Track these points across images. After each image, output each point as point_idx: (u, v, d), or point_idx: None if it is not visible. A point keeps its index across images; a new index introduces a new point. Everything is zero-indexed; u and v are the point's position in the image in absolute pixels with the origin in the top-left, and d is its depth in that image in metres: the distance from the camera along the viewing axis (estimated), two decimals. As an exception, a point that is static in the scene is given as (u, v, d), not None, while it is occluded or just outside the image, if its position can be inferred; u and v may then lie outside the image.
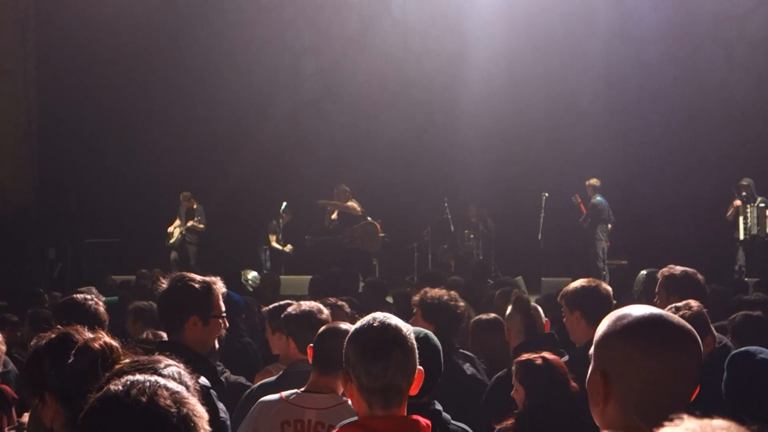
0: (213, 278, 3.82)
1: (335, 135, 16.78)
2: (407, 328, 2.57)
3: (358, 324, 2.59)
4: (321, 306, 4.55)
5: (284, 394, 3.73)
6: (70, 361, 2.50)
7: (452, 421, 3.24)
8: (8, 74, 16.60)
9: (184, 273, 3.85)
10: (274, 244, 15.65)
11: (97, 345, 2.51)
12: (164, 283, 3.77)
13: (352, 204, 14.51)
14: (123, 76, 16.71)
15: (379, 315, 2.59)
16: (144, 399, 1.75)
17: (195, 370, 3.48)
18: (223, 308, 3.78)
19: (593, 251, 14.49)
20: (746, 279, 12.44)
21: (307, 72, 16.89)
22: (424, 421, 2.55)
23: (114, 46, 16.21)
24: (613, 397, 1.94)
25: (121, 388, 1.78)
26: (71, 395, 1.94)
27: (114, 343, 2.53)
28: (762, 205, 13.83)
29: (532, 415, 3.83)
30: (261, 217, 15.85)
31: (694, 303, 4.10)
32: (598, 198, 14.57)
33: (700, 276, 5.06)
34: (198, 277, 3.77)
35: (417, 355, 2.55)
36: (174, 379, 2.01)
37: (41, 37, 17.08)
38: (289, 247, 15.69)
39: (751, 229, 13.80)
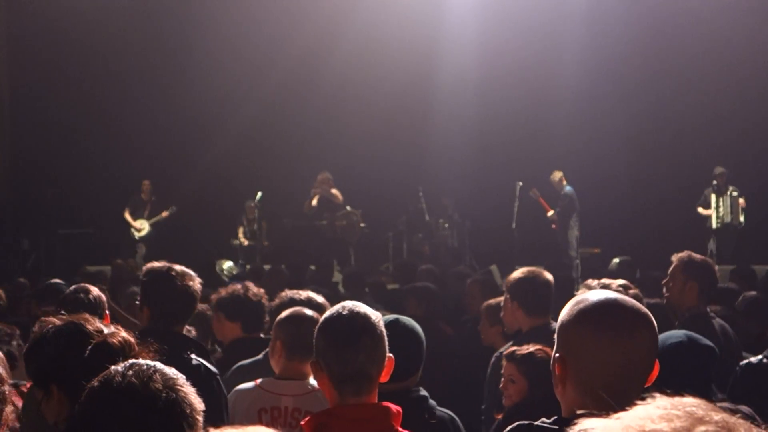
0: None
1: (309, 123, 16.76)
2: (376, 316, 2.60)
3: (327, 313, 2.63)
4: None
5: (259, 381, 3.76)
6: (86, 355, 2.41)
7: (438, 407, 3.26)
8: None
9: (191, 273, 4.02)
10: (240, 237, 15.57)
11: (116, 341, 2.44)
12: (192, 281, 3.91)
13: (336, 192, 14.59)
14: (97, 66, 16.59)
15: (348, 303, 2.62)
16: (137, 381, 1.86)
17: (206, 359, 3.72)
18: None
19: (565, 240, 14.60)
20: (718, 267, 12.60)
21: (281, 60, 16.82)
22: (394, 407, 2.57)
23: (87, 35, 16.08)
24: (570, 380, 2.01)
25: (120, 369, 1.91)
26: (81, 390, 1.95)
27: (131, 338, 2.47)
28: (735, 193, 14.00)
29: (538, 406, 3.82)
30: (236, 206, 15.82)
31: (631, 286, 4.15)
32: (568, 188, 14.68)
33: (715, 266, 5.12)
34: None
35: (386, 343, 2.59)
36: None
37: (13, 27, 16.92)
38: (245, 241, 15.60)
39: (724, 217, 13.96)
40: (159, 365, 1.94)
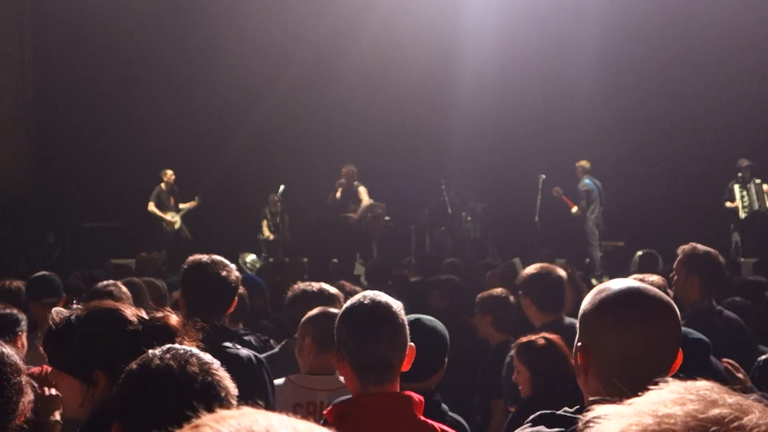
0: None
1: (331, 117, 16.78)
2: (397, 305, 2.62)
3: (349, 302, 2.65)
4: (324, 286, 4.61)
5: (290, 377, 3.80)
6: (134, 338, 2.34)
7: (449, 413, 3.28)
8: (4, 58, 16.60)
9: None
10: (265, 231, 15.63)
11: (161, 323, 2.42)
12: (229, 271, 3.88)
13: (363, 190, 14.53)
14: (119, 59, 16.66)
15: (369, 293, 2.65)
16: (174, 364, 1.94)
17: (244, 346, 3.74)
18: None
19: (585, 232, 14.48)
20: (742, 259, 12.54)
21: (303, 54, 16.86)
22: (417, 396, 2.60)
23: (109, 30, 16.15)
24: (593, 369, 2.00)
25: (158, 353, 1.99)
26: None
27: (174, 320, 2.45)
28: (758, 181, 13.90)
29: (542, 396, 3.83)
30: (258, 199, 15.87)
31: (656, 277, 4.09)
32: (586, 181, 14.49)
33: (721, 258, 4.89)
34: None
35: (408, 332, 2.61)
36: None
37: (37, 21, 17.05)
38: (270, 235, 15.66)
39: (752, 205, 13.86)
40: (195, 350, 2.01)
